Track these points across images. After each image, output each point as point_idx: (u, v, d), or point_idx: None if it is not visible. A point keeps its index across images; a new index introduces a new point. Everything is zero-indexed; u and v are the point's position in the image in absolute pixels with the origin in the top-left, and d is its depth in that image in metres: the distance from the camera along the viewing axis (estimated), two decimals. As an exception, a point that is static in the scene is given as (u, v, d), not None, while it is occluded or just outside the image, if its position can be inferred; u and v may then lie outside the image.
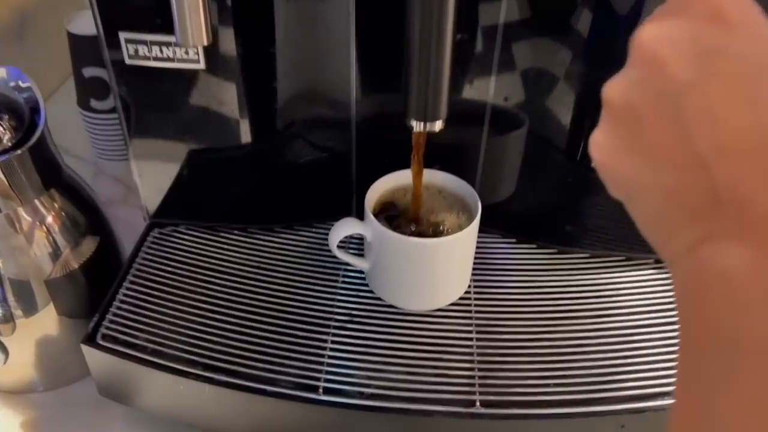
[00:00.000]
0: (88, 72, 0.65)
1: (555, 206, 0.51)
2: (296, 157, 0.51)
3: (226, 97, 0.45)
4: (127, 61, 0.43)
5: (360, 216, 0.46)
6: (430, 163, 0.45)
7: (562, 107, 0.46)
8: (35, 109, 0.44)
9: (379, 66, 0.46)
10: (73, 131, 0.71)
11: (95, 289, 0.48)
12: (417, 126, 0.39)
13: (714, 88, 0.19)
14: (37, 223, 0.45)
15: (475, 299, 0.47)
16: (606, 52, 0.41)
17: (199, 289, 0.47)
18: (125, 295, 0.47)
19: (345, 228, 0.45)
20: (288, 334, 0.44)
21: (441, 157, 0.47)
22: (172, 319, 0.45)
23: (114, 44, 0.42)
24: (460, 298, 0.47)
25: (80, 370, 0.48)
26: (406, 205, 0.47)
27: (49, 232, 0.46)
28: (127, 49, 0.42)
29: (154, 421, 0.47)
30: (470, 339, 0.44)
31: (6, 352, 0.47)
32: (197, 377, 0.41)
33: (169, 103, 0.46)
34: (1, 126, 0.42)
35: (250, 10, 0.42)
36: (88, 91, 0.67)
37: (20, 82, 0.45)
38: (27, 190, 0.44)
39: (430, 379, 0.41)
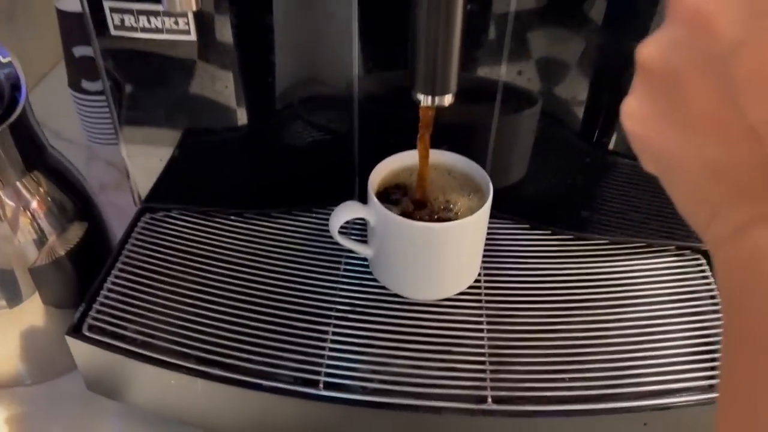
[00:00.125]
0: (79, 51, 0.64)
1: (571, 190, 0.50)
2: (295, 137, 0.50)
3: (219, 72, 0.44)
4: (113, 32, 0.42)
5: (363, 199, 0.45)
6: (437, 143, 0.44)
7: (579, 82, 0.45)
8: (16, 86, 0.43)
9: (383, 37, 0.45)
10: (65, 114, 0.71)
11: (83, 277, 0.47)
12: (424, 100, 0.38)
13: None
14: (21, 207, 0.44)
15: (486, 288, 0.46)
16: (628, 18, 0.40)
17: (192, 278, 0.46)
18: (114, 283, 0.46)
19: (347, 212, 0.44)
20: (286, 326, 0.43)
21: (449, 137, 0.46)
22: (163, 309, 0.44)
23: (99, 14, 0.41)
24: (470, 287, 0.46)
25: (70, 363, 0.47)
26: (412, 187, 0.46)
27: (33, 217, 0.45)
28: (113, 18, 0.41)
29: (148, 416, 0.46)
30: (481, 330, 0.43)
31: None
32: (189, 371, 0.41)
33: (159, 79, 0.45)
34: (-21, 103, 0.42)
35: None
36: (79, 72, 0.66)
37: (0, 58, 0.44)
38: (7, 170, 0.43)
39: (438, 373, 0.41)
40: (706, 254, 0.49)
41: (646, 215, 0.48)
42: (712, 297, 0.46)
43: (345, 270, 0.47)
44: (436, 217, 0.44)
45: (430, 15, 0.35)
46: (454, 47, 0.36)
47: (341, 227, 0.44)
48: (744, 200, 0.19)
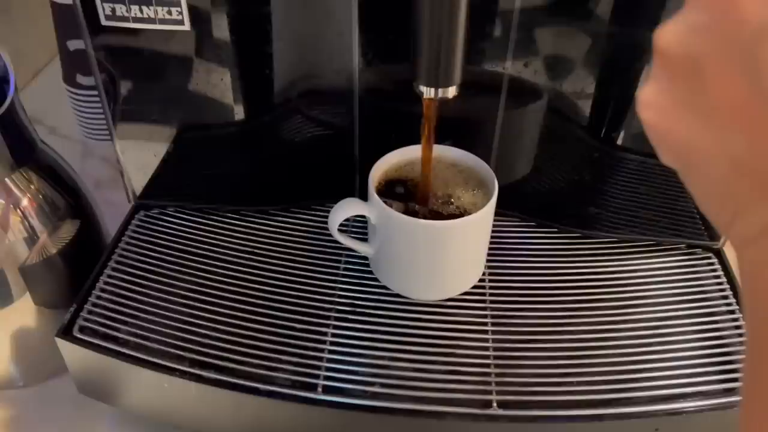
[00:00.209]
0: (74, 45, 0.63)
1: (578, 186, 0.50)
2: (293, 132, 0.49)
3: (215, 64, 0.43)
4: (104, 23, 0.41)
5: (363, 196, 0.44)
6: (441, 138, 0.44)
7: (587, 74, 0.44)
8: (4, 79, 0.43)
9: (384, 28, 0.44)
10: (62, 110, 0.70)
11: (76, 277, 0.47)
12: (428, 92, 0.38)
13: None
14: (11, 205, 0.43)
15: (491, 288, 0.46)
16: (639, 6, 0.39)
17: (187, 277, 0.46)
18: (106, 283, 0.45)
19: (347, 209, 0.43)
20: (284, 327, 0.43)
21: (453, 132, 0.45)
22: (157, 310, 0.43)
23: (89, 4, 0.40)
24: (474, 287, 0.46)
25: (63, 364, 0.46)
26: (414, 183, 0.46)
27: (24, 215, 0.44)
28: (103, 8, 0.40)
29: (142, 419, 0.46)
30: (485, 332, 0.43)
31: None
32: (183, 374, 0.40)
33: (153, 71, 0.44)
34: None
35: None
36: (74, 66, 0.65)
37: (-13, 50, 0.44)
38: (-5, 166, 0.42)
39: (441, 376, 0.40)
40: (717, 253, 0.48)
41: (656, 212, 0.48)
42: (725, 297, 0.45)
43: (345, 269, 0.47)
44: (440, 214, 0.44)
45: (434, 3, 0.34)
46: (458, 36, 0.35)
47: (341, 225, 0.44)
48: None
